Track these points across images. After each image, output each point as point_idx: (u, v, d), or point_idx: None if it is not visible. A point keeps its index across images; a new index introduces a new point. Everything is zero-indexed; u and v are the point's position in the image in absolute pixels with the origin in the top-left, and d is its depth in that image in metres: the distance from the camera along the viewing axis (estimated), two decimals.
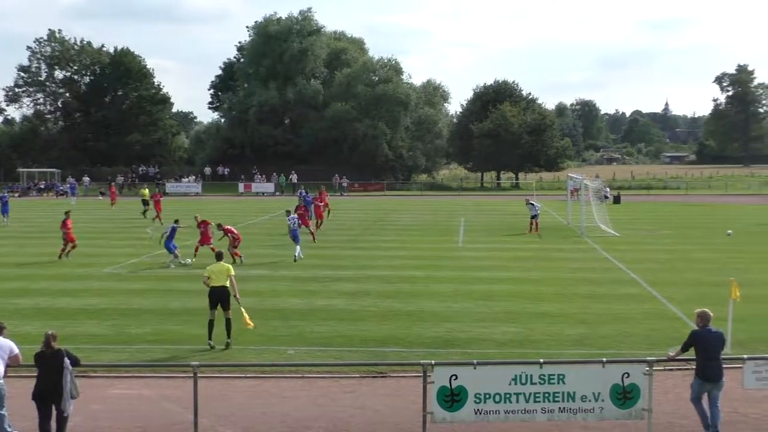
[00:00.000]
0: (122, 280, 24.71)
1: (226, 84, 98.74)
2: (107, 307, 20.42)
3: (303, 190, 42.01)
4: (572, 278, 24.76)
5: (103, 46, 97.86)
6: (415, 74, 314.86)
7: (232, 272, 16.76)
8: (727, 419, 11.78)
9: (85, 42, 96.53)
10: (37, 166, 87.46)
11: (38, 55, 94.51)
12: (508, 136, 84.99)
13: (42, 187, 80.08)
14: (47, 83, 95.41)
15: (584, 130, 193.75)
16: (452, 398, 10.83)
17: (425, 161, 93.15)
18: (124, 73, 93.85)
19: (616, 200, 60.54)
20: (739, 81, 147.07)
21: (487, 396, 10.87)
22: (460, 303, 20.71)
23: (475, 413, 10.90)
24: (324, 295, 21.97)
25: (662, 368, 13.75)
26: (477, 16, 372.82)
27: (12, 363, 11.14)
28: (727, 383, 11.47)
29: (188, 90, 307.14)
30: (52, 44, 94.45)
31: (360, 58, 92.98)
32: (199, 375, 11.15)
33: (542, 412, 10.98)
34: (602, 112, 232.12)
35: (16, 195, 55.06)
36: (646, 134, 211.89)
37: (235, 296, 16.65)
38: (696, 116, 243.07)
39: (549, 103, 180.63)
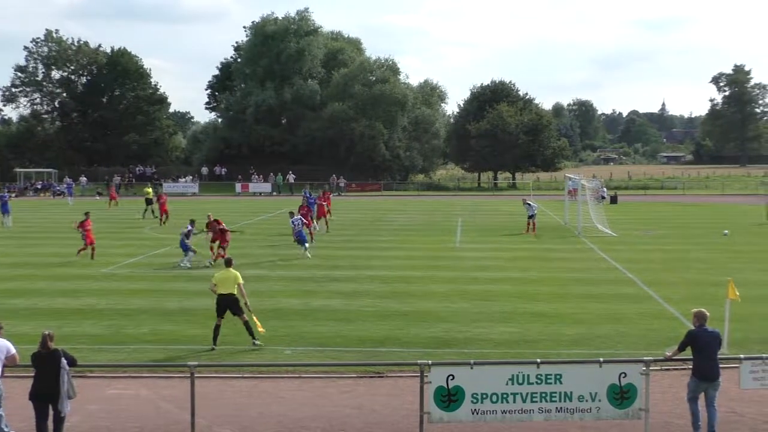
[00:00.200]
0: (119, 280, 24.68)
1: (223, 84, 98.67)
2: (104, 307, 20.41)
3: (307, 191, 42.18)
4: (569, 278, 24.78)
5: (100, 46, 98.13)
6: (412, 74, 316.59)
7: (240, 280, 16.48)
8: (724, 419, 11.80)
9: (82, 42, 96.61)
10: (34, 166, 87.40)
11: (35, 55, 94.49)
12: (505, 136, 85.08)
13: (39, 187, 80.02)
14: (44, 83, 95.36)
15: (581, 130, 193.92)
16: (449, 398, 10.83)
17: (422, 161, 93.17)
18: (121, 73, 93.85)
19: (613, 200, 60.57)
20: (735, 81, 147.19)
21: (484, 396, 10.87)
22: (457, 303, 20.72)
23: (472, 413, 10.90)
24: (321, 295, 21.98)
25: (659, 368, 13.78)
26: (474, 16, 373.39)
27: (9, 363, 11.12)
28: (723, 383, 11.49)
29: (185, 90, 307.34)
30: (49, 44, 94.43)
31: (357, 58, 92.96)
32: (196, 375, 11.16)
33: (539, 412, 10.99)
34: (599, 112, 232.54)
35: (13, 195, 54.96)
36: (643, 134, 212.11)
37: (245, 304, 16.49)
38: (693, 116, 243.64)
39: (546, 103, 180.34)
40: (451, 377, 10.83)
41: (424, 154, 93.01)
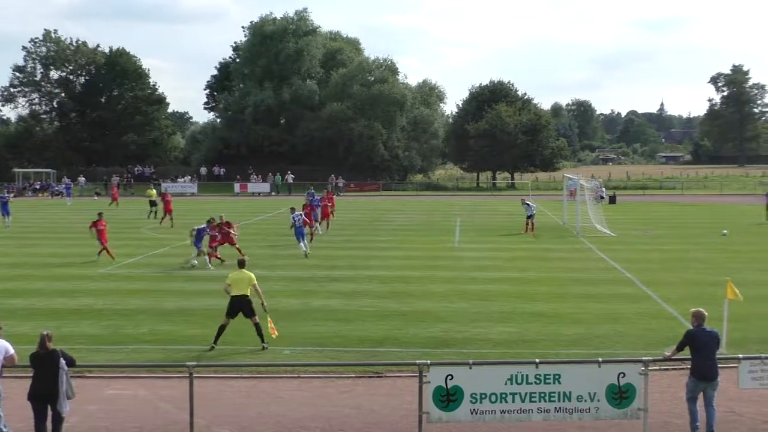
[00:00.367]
0: (118, 280, 24.66)
1: (221, 84, 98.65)
2: (103, 307, 20.39)
3: (312, 191, 42.41)
4: (568, 278, 24.79)
5: (98, 46, 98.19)
6: (410, 74, 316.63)
7: (255, 280, 16.41)
8: (723, 419, 11.81)
9: (80, 42, 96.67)
10: (33, 167, 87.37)
11: (33, 55, 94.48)
12: (503, 136, 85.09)
13: (37, 187, 79.99)
14: (42, 83, 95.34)
15: (580, 130, 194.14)
16: (448, 398, 10.83)
17: (421, 161, 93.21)
18: (119, 73, 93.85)
19: (612, 200, 60.59)
20: (734, 81, 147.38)
21: (483, 396, 10.87)
22: (456, 303, 20.72)
23: (471, 413, 10.90)
24: (320, 295, 21.97)
25: (658, 368, 13.78)
26: (473, 16, 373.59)
27: (7, 363, 11.11)
28: (722, 383, 11.50)
29: (184, 90, 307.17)
30: (48, 44, 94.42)
31: (356, 58, 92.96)
32: (195, 375, 11.15)
33: (538, 412, 10.99)
34: (598, 113, 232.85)
35: (12, 195, 54.80)
36: (641, 134, 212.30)
37: (261, 304, 16.41)
38: (691, 116, 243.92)
39: (545, 103, 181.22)
40: (449, 377, 10.83)
41: (423, 154, 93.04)
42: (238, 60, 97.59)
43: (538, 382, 10.91)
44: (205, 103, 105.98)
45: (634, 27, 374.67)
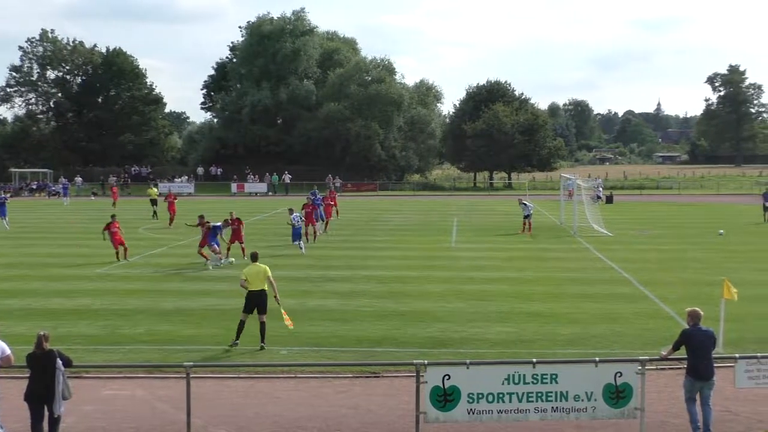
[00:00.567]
0: (115, 280, 24.64)
1: (218, 84, 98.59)
2: (100, 307, 20.37)
3: (315, 190, 42.58)
4: (565, 278, 24.81)
5: (95, 46, 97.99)
6: (407, 74, 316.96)
7: (269, 272, 16.44)
8: (719, 418, 11.83)
9: (77, 42, 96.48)
10: (29, 167, 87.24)
11: (30, 55, 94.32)
12: (500, 136, 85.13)
13: (34, 187, 79.91)
14: (39, 83, 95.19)
15: (577, 130, 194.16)
16: (445, 398, 10.84)
17: (418, 161, 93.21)
18: (116, 73, 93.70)
19: (609, 200, 60.69)
20: (730, 81, 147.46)
21: (480, 396, 10.88)
22: (453, 303, 20.73)
23: (468, 413, 10.91)
24: (317, 295, 21.97)
25: (655, 367, 13.81)
26: (470, 16, 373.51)
27: (4, 364, 11.10)
28: (719, 382, 11.52)
29: (181, 90, 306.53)
30: (45, 44, 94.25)
31: (353, 58, 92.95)
32: (192, 375, 11.14)
33: (535, 412, 11.00)
34: (595, 112, 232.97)
35: (8, 195, 54.81)
36: (638, 134, 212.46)
37: (275, 297, 16.46)
38: (688, 116, 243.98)
39: (542, 103, 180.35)
40: (447, 377, 10.84)
41: (420, 154, 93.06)
42: (235, 60, 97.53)
43: (535, 381, 10.92)
44: (202, 103, 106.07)
45: (631, 27, 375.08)
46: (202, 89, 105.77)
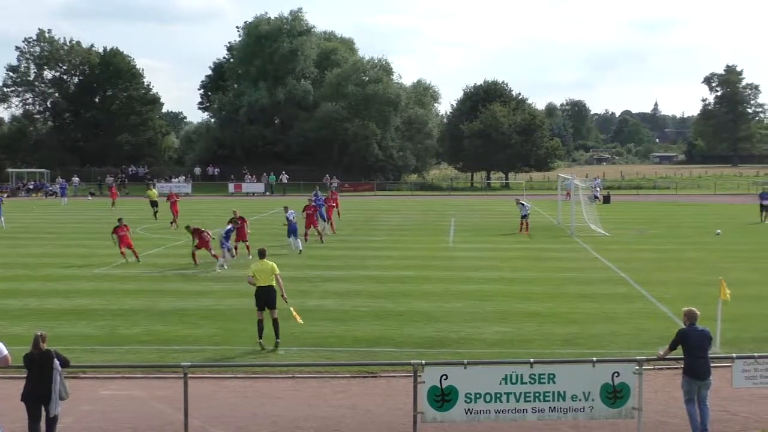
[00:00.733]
0: (113, 280, 24.62)
1: (216, 84, 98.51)
2: (98, 307, 20.35)
3: (317, 191, 42.55)
4: (562, 278, 24.82)
5: (92, 46, 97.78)
6: (405, 74, 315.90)
7: (277, 270, 16.50)
8: (717, 418, 11.85)
9: (74, 42, 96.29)
10: (26, 167, 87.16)
11: (27, 55, 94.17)
12: (498, 136, 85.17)
13: (31, 187, 79.79)
14: (36, 83, 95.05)
15: (574, 130, 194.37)
16: (443, 398, 10.85)
17: (415, 161, 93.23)
18: (113, 73, 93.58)
19: (606, 200, 60.71)
20: (727, 81, 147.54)
21: (478, 396, 10.89)
22: (450, 303, 20.73)
23: (466, 413, 10.92)
24: (315, 295, 21.97)
25: (652, 367, 13.83)
26: (467, 16, 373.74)
27: (1, 364, 11.10)
28: (716, 382, 11.54)
29: (178, 90, 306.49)
30: (42, 44, 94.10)
31: (350, 58, 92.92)
32: (189, 375, 11.14)
33: (533, 412, 11.01)
34: (592, 112, 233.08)
35: (5, 195, 54.85)
36: (635, 134, 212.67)
37: (282, 296, 16.48)
38: (685, 116, 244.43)
39: (539, 103, 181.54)
40: (444, 377, 10.85)
41: (417, 154, 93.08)
42: (232, 60, 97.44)
43: (532, 381, 10.93)
44: (200, 103, 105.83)
45: (628, 27, 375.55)
46: (199, 89, 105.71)
